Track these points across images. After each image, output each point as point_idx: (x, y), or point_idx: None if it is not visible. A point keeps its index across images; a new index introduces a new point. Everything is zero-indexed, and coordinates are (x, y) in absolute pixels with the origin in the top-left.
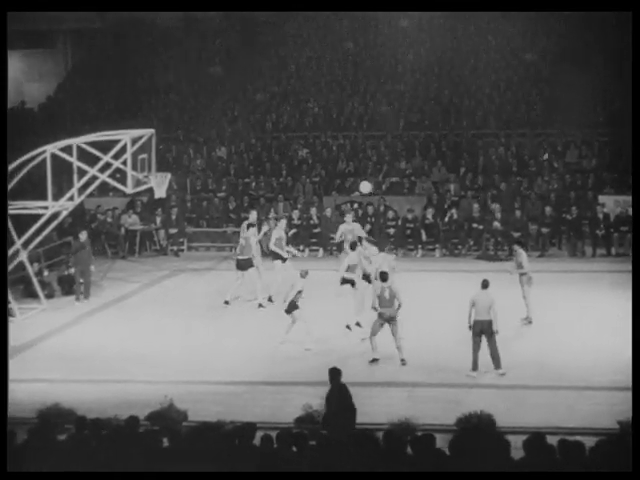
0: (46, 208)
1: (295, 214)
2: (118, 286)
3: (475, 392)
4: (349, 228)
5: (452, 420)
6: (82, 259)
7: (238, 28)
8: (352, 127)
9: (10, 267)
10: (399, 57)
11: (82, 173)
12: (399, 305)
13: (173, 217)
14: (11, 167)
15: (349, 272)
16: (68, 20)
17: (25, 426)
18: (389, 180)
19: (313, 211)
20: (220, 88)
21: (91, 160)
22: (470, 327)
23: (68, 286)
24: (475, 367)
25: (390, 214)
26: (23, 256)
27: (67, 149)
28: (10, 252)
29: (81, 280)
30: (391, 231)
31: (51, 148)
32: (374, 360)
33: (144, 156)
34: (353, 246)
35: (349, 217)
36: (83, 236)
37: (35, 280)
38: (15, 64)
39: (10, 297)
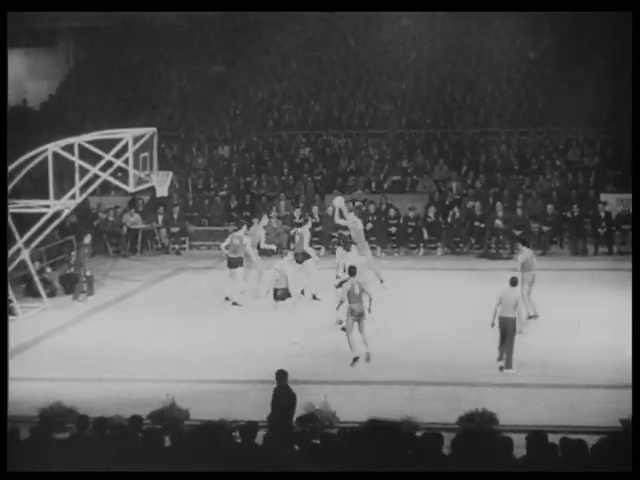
0: (48, 207)
1: (297, 213)
2: (120, 285)
3: (477, 390)
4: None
5: (454, 419)
6: (83, 260)
7: (240, 27)
8: (354, 125)
9: (12, 266)
10: (401, 55)
11: (84, 172)
12: (370, 299)
13: (175, 216)
14: (13, 166)
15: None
16: (70, 18)
17: (27, 424)
18: (391, 178)
19: (315, 210)
20: (222, 86)
21: (93, 159)
22: (492, 325)
23: (70, 285)
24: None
25: (392, 212)
26: (25, 255)
27: (69, 148)
28: (12, 251)
29: (84, 279)
30: (393, 229)
31: (53, 147)
32: (355, 359)
33: (146, 155)
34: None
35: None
36: (87, 239)
37: (37, 279)
38: (17, 62)
39: (12, 296)
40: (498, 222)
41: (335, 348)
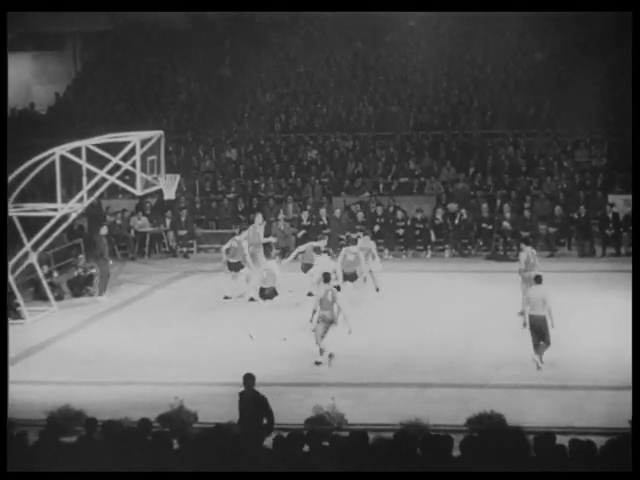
0: (55, 210)
1: (304, 215)
2: (128, 288)
3: (485, 392)
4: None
5: (462, 420)
6: (104, 253)
7: (247, 29)
8: (361, 127)
9: (20, 269)
10: (408, 57)
11: (91, 175)
12: (339, 309)
13: (182, 219)
14: (20, 169)
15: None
16: (77, 22)
17: (35, 428)
18: (398, 180)
19: (322, 212)
20: (229, 89)
21: (100, 162)
22: (525, 325)
23: (78, 288)
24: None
25: (399, 214)
26: (33, 258)
27: (76, 151)
28: (19, 254)
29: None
30: (400, 231)
31: (60, 150)
32: (317, 363)
33: (153, 158)
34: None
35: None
36: (104, 230)
37: (45, 282)
38: (24, 66)
39: (20, 299)
40: (506, 224)
41: (343, 351)
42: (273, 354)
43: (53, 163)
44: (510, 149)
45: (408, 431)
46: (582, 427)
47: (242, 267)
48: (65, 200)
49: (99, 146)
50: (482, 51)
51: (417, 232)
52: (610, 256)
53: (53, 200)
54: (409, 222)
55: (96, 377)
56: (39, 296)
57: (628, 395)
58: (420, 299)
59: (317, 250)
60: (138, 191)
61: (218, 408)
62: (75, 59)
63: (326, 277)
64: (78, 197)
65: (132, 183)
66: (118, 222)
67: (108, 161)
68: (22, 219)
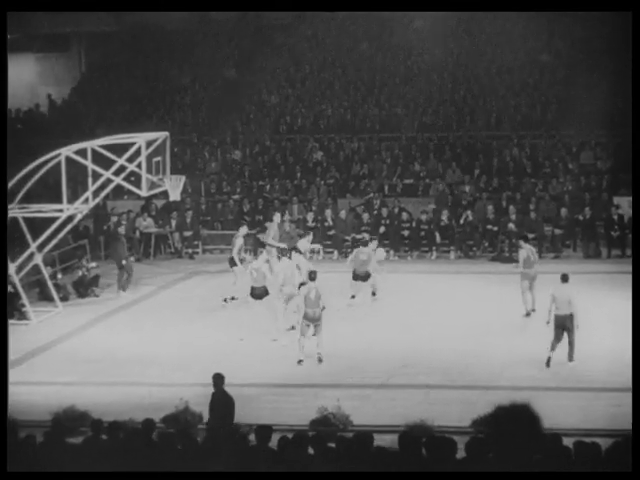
0: (61, 211)
1: (309, 216)
2: (133, 289)
3: (491, 394)
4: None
5: (467, 422)
6: (122, 251)
7: (252, 30)
8: (366, 129)
9: (25, 270)
10: (413, 58)
11: (97, 176)
12: (323, 307)
13: (188, 220)
14: (26, 170)
15: None
16: (82, 23)
17: (40, 429)
18: (403, 182)
19: (328, 213)
20: (234, 90)
21: (106, 163)
22: (548, 323)
23: (83, 289)
24: (549, 362)
25: (404, 216)
26: (38, 259)
27: (82, 152)
28: (25, 255)
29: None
30: (405, 233)
31: (66, 151)
32: (300, 361)
33: (159, 159)
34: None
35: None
36: (122, 230)
37: (50, 283)
38: (30, 67)
39: (25, 300)
40: (511, 225)
41: (348, 352)
42: (277, 355)
43: (59, 164)
44: (515, 151)
45: (413, 432)
46: (587, 429)
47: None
48: (70, 201)
49: (105, 147)
50: (487, 53)
51: (422, 233)
52: (615, 258)
53: (58, 201)
54: (414, 223)
55: (101, 378)
56: (44, 297)
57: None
58: (425, 300)
59: (289, 251)
60: (143, 192)
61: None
62: (80, 60)
63: (311, 275)
64: (83, 198)
65: (137, 184)
66: (123, 223)
67: (113, 162)
68: (28, 220)
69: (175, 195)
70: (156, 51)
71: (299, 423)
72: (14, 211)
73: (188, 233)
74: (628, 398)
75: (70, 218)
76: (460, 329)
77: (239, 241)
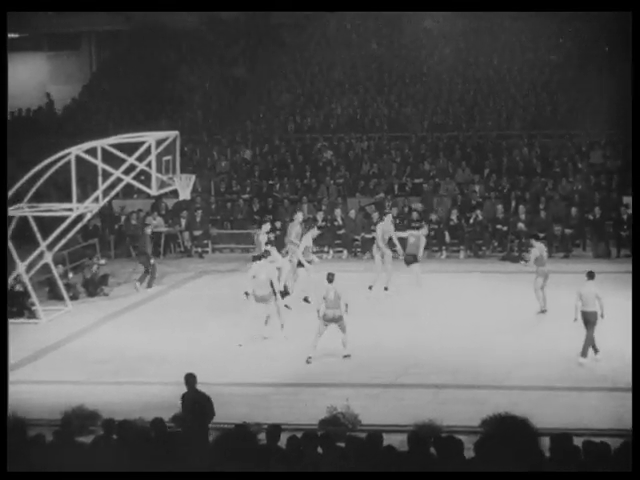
0: (71, 210)
1: (319, 216)
2: (142, 288)
3: (500, 393)
4: (387, 228)
5: (477, 422)
6: (146, 247)
7: (262, 29)
8: (376, 128)
9: (35, 269)
10: (423, 58)
11: (107, 175)
12: (346, 305)
13: (197, 219)
14: (36, 169)
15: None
16: (93, 22)
17: (50, 428)
18: (413, 181)
19: (337, 212)
20: (244, 90)
21: (116, 162)
22: (575, 320)
23: (93, 288)
24: (591, 352)
25: (414, 215)
26: (48, 258)
27: (92, 151)
28: (35, 254)
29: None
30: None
31: (76, 150)
32: (309, 360)
33: (168, 158)
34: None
35: (389, 217)
36: (149, 229)
37: (60, 282)
38: (40, 66)
39: (35, 299)
40: (521, 225)
41: (357, 351)
42: (287, 354)
43: (68, 163)
44: (525, 150)
45: (422, 432)
46: (596, 429)
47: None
48: (80, 200)
49: (114, 146)
50: (497, 52)
51: (432, 233)
52: (625, 257)
53: (68, 200)
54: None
55: (110, 377)
56: (54, 296)
57: None
58: (434, 300)
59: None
60: (153, 191)
61: (232, 408)
62: (91, 59)
63: (329, 277)
64: (93, 197)
65: (147, 183)
66: (133, 222)
67: (124, 161)
68: (37, 219)
69: (185, 194)
70: (166, 50)
71: (308, 422)
72: (24, 210)
73: (198, 232)
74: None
75: (80, 217)
76: (469, 328)
77: (263, 238)
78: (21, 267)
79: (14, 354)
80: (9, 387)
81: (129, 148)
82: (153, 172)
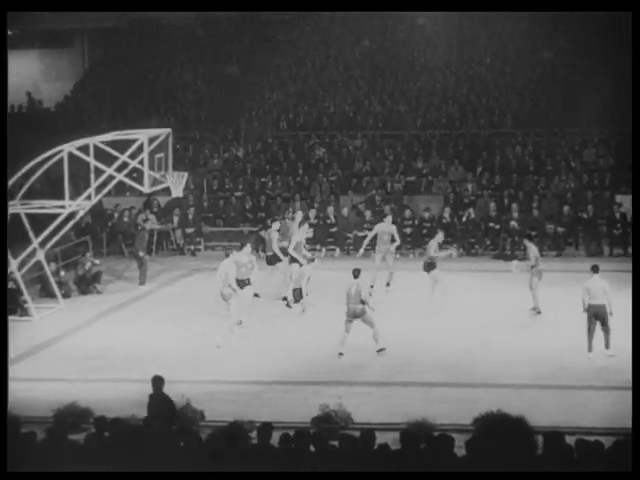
0: (63, 207)
1: (312, 213)
2: (135, 285)
3: (492, 392)
4: (386, 229)
5: (469, 420)
6: (141, 244)
7: (255, 27)
8: (369, 126)
9: (27, 267)
10: (416, 56)
11: (99, 172)
12: (362, 301)
13: (190, 217)
14: (28, 166)
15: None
16: (85, 19)
17: (43, 425)
18: (405, 179)
19: (330, 210)
20: (236, 87)
21: (108, 159)
22: (585, 311)
23: (85, 285)
24: (590, 349)
25: (407, 213)
26: (40, 256)
27: (84, 148)
28: (27, 252)
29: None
30: (408, 230)
31: (68, 147)
32: (340, 354)
33: (161, 155)
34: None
35: (389, 218)
36: (148, 225)
37: (52, 280)
38: (32, 64)
39: (27, 297)
40: (513, 223)
41: (349, 349)
42: (279, 352)
43: (61, 160)
44: (518, 148)
45: (413, 430)
46: (589, 427)
47: (279, 260)
48: (73, 197)
49: (107, 143)
50: (490, 50)
51: (424, 231)
52: (617, 256)
53: (61, 197)
54: (416, 221)
55: (103, 374)
56: (46, 293)
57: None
58: (426, 298)
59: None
60: (146, 189)
61: (224, 406)
62: (83, 56)
63: (355, 273)
64: (86, 194)
65: (140, 181)
66: (125, 220)
67: (116, 158)
68: (30, 216)
69: (177, 192)
70: (159, 47)
71: (300, 420)
72: (16, 207)
73: (190, 230)
74: (628, 396)
75: (72, 214)
76: (461, 327)
77: (275, 235)
78: (14, 264)
79: None
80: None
81: (121, 145)
82: (145, 169)
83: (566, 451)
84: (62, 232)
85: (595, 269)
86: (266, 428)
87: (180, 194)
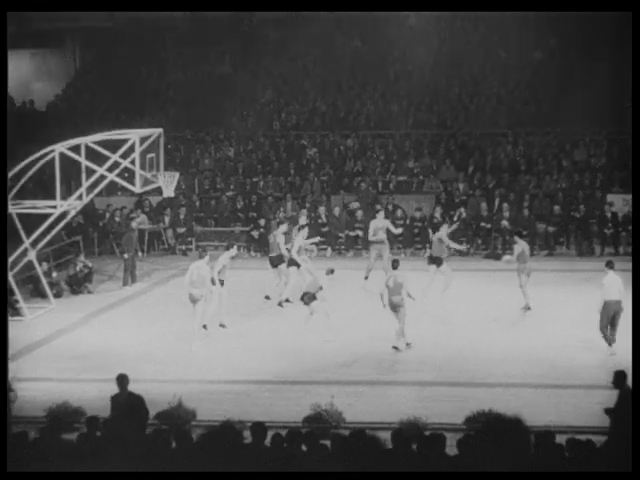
0: (54, 207)
1: (303, 213)
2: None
3: (483, 391)
4: (380, 225)
5: (461, 419)
6: (132, 245)
7: (246, 27)
8: (360, 126)
9: (19, 267)
10: (407, 55)
11: (90, 172)
12: (408, 294)
13: (181, 216)
14: (19, 166)
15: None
16: (77, 19)
17: (34, 425)
18: (397, 179)
19: (321, 210)
20: (228, 87)
21: (100, 159)
22: (600, 309)
23: (76, 285)
24: (610, 343)
25: (398, 213)
26: (32, 255)
27: (76, 148)
28: (18, 252)
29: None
30: (399, 230)
31: (60, 147)
32: (395, 348)
33: (152, 155)
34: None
35: (381, 214)
36: (135, 223)
37: (44, 280)
38: (24, 63)
39: (19, 296)
40: (504, 222)
41: (341, 349)
42: (271, 352)
43: (52, 160)
44: (509, 148)
45: (405, 429)
46: (580, 426)
47: (282, 262)
48: (64, 197)
49: (98, 143)
50: (482, 50)
51: (416, 231)
52: (609, 255)
53: (52, 197)
54: (408, 221)
55: (95, 374)
56: (38, 293)
57: None
58: (418, 297)
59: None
60: (137, 189)
61: (216, 405)
62: (75, 56)
63: (394, 264)
64: (77, 194)
65: (131, 181)
66: (117, 219)
67: (107, 158)
68: (21, 216)
69: (169, 192)
70: (150, 47)
71: (292, 420)
72: (8, 207)
73: (182, 230)
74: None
75: (63, 214)
76: (453, 326)
77: (282, 238)
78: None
79: None
80: None
81: (113, 145)
82: (137, 169)
83: (557, 450)
84: (53, 232)
85: (610, 265)
86: (259, 428)
87: (171, 194)
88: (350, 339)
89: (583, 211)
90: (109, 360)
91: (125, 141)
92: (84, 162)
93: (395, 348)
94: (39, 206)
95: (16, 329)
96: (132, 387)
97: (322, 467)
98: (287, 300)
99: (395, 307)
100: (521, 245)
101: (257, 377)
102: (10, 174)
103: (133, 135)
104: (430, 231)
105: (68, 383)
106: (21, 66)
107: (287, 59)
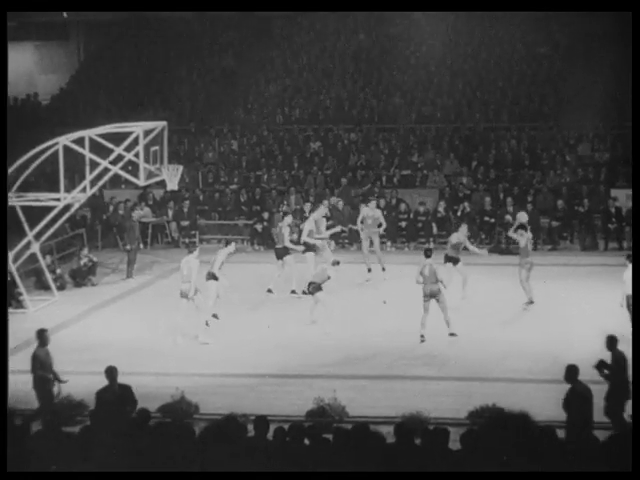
0: (58, 200)
1: (307, 207)
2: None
3: (487, 385)
4: (370, 213)
5: (464, 414)
6: (134, 238)
7: (250, 20)
8: (364, 120)
9: (22, 259)
10: (412, 49)
11: (94, 165)
12: (439, 281)
13: (185, 209)
14: (23, 159)
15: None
16: (81, 12)
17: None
18: (401, 173)
19: (325, 204)
20: (232, 80)
21: (103, 152)
22: (621, 305)
23: (80, 278)
24: None
25: (402, 207)
26: (35, 248)
27: (80, 141)
28: (22, 244)
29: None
30: (403, 224)
31: (64, 140)
32: (422, 338)
33: (156, 148)
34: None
35: (373, 203)
36: (136, 215)
37: (47, 272)
38: (28, 56)
39: (22, 289)
40: (508, 217)
41: (344, 343)
42: (274, 346)
43: (56, 153)
44: (513, 142)
45: (408, 424)
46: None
47: (288, 253)
48: (68, 190)
49: (102, 136)
50: (486, 44)
51: (419, 225)
52: (612, 250)
53: (56, 190)
54: (412, 215)
55: (97, 367)
56: (41, 285)
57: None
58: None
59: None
60: (141, 182)
61: (219, 399)
62: (79, 49)
63: (427, 253)
64: (81, 187)
65: (135, 174)
66: (121, 212)
67: (111, 151)
68: (25, 209)
69: (172, 185)
70: (154, 40)
71: (295, 414)
72: (11, 200)
73: (185, 223)
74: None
75: (67, 207)
76: (456, 320)
77: (287, 230)
78: (9, 257)
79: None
80: None
81: (117, 138)
82: (141, 162)
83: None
84: (57, 225)
85: (631, 258)
86: (262, 422)
87: (175, 187)
88: (353, 333)
89: (587, 206)
90: (112, 353)
91: (129, 134)
92: (88, 155)
93: (453, 334)
94: (43, 199)
95: (19, 321)
96: (135, 380)
97: (324, 461)
98: (293, 292)
99: (435, 295)
100: (525, 238)
101: (260, 371)
102: (14, 167)
103: (137, 128)
104: (434, 225)
105: (71, 376)
106: (25, 58)
107: (291, 52)
